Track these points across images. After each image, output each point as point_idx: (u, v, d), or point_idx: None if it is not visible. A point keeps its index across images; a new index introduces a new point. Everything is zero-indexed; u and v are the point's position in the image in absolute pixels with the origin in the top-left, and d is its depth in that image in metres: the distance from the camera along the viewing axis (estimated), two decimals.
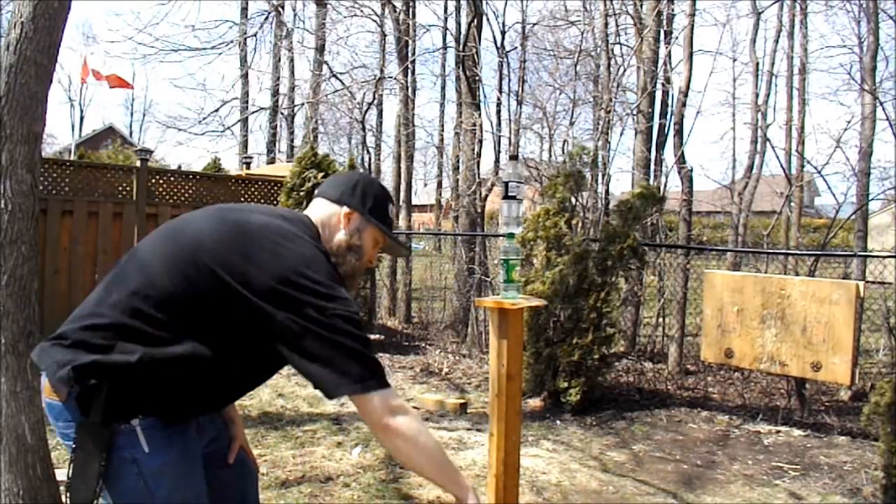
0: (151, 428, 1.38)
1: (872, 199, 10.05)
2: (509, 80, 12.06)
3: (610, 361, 5.17)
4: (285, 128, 17.58)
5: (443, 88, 20.31)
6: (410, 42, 10.51)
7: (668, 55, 8.11)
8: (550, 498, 3.45)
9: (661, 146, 7.97)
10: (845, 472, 3.90)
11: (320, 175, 6.58)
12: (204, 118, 12.24)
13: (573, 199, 5.47)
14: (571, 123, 10.25)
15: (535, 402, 5.14)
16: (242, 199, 7.29)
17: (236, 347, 1.41)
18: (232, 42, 12.62)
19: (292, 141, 17.22)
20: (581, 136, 13.23)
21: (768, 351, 4.56)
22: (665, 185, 7.66)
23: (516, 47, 13.75)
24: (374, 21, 11.46)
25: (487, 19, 10.80)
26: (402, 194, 11.82)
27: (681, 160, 6.94)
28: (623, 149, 20.95)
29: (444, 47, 15.05)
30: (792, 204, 9.22)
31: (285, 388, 5.35)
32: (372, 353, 1.40)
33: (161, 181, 6.76)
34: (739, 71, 18.84)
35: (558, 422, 4.80)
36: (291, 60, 15.94)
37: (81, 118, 29.70)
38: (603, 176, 7.68)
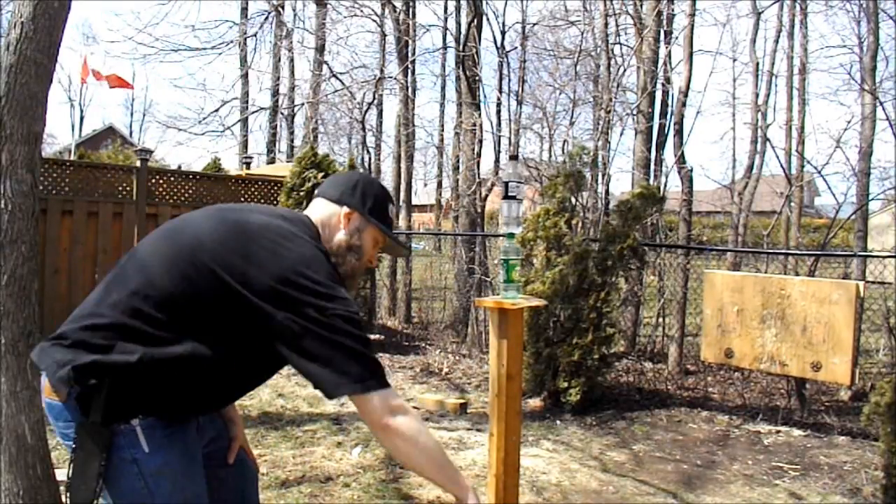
0: (151, 428, 1.38)
1: (872, 199, 10.05)
2: (509, 80, 12.08)
3: (610, 361, 5.17)
4: (285, 128, 17.59)
5: (443, 88, 20.34)
6: (410, 42, 10.51)
7: (668, 55, 8.11)
8: (550, 498, 3.45)
9: (661, 146, 7.98)
10: (845, 472, 3.90)
11: (320, 175, 6.58)
12: (204, 118, 12.24)
13: (573, 199, 5.47)
14: (571, 123, 10.26)
15: (535, 402, 5.14)
16: (242, 199, 7.29)
17: (236, 347, 1.41)
18: (232, 42, 12.63)
19: (292, 141, 17.22)
20: (581, 136, 13.24)
21: (768, 351, 4.56)
22: (665, 185, 7.66)
23: (516, 47, 13.76)
24: (374, 21, 11.47)
25: (487, 19, 10.81)
26: (402, 194, 11.83)
27: (681, 160, 6.94)
28: (623, 149, 20.98)
29: (444, 47, 15.06)
30: (792, 204, 9.22)
31: (285, 388, 5.35)
32: (372, 353, 1.40)
33: (161, 181, 6.76)
34: (739, 71, 18.81)
35: (558, 422, 4.80)
36: (291, 60, 15.94)
37: (81, 118, 29.70)
38: (603, 176, 7.68)
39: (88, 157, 12.29)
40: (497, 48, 12.28)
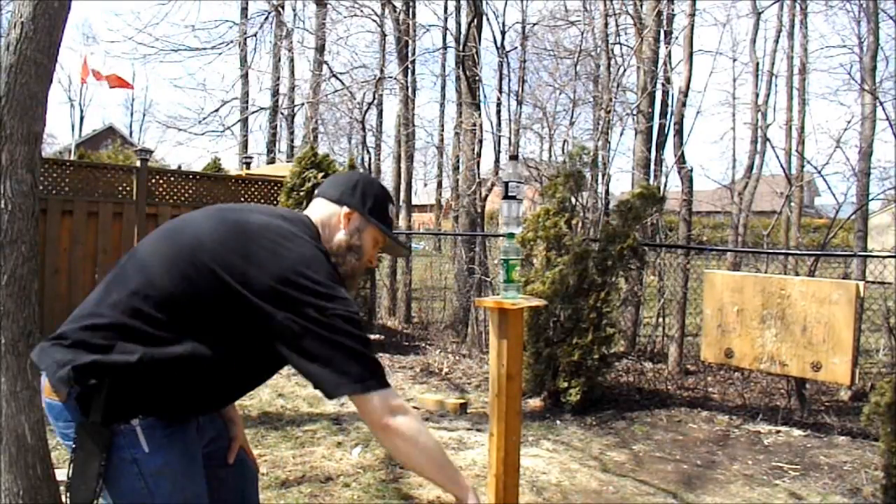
0: (151, 428, 1.38)
1: (872, 199, 10.04)
2: (509, 80, 12.07)
3: (610, 361, 5.17)
4: (285, 128, 17.58)
5: (443, 88, 20.33)
6: (410, 42, 10.51)
7: (668, 55, 8.11)
8: (550, 498, 3.46)
9: (661, 146, 7.98)
10: (845, 472, 3.90)
11: (320, 175, 6.58)
12: (204, 118, 12.24)
13: (573, 199, 5.47)
14: (571, 123, 10.26)
15: (535, 402, 5.14)
16: (242, 199, 7.28)
17: (236, 347, 1.41)
18: (232, 42, 12.62)
19: (292, 141, 17.22)
20: (581, 136, 13.23)
21: (768, 351, 4.56)
22: (665, 185, 7.66)
23: (516, 47, 13.75)
24: (374, 21, 11.46)
25: (487, 19, 10.81)
26: (402, 194, 11.83)
27: (681, 160, 6.94)
28: (623, 149, 20.97)
29: (444, 47, 15.06)
30: (792, 204, 9.21)
31: (285, 388, 5.35)
32: (372, 353, 1.40)
33: (161, 181, 6.76)
34: (739, 71, 18.83)
35: (558, 422, 4.80)
36: (291, 60, 15.94)
37: (81, 118, 29.70)
38: (603, 176, 7.68)
39: (88, 157, 12.29)
40: (497, 48, 12.29)
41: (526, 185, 6.11)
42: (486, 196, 8.27)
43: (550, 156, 9.48)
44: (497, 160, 9.83)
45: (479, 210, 8.22)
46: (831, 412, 4.92)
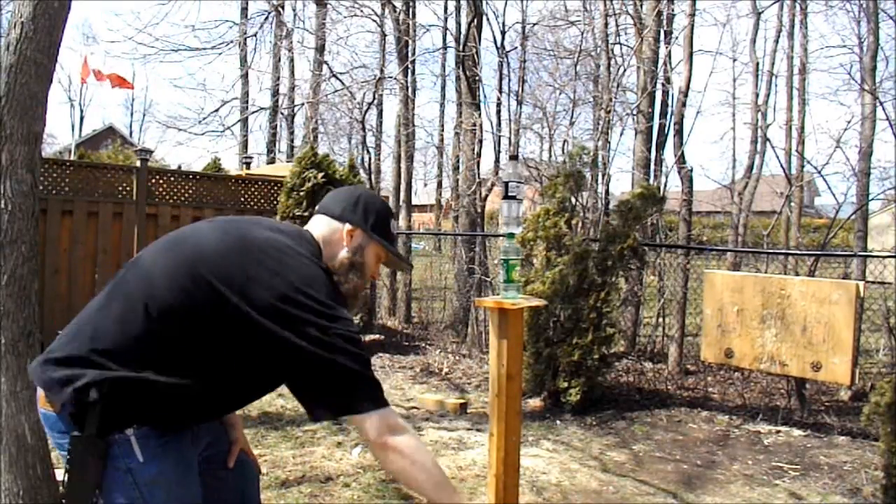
0: (146, 437, 1.37)
1: (872, 199, 10.04)
2: (509, 80, 12.06)
3: (610, 361, 5.17)
4: (285, 128, 17.56)
5: (443, 88, 20.31)
6: (410, 42, 10.51)
7: (668, 55, 8.11)
8: (550, 498, 3.45)
9: (661, 146, 7.98)
10: (845, 472, 3.90)
11: (320, 175, 6.58)
12: (204, 118, 12.24)
13: (573, 199, 5.47)
14: (571, 123, 10.26)
15: (535, 402, 5.14)
16: (242, 199, 7.28)
17: (234, 363, 1.40)
18: (232, 42, 12.62)
19: (292, 141, 17.20)
20: (581, 136, 13.23)
21: (768, 351, 4.56)
22: (665, 185, 7.66)
23: (516, 47, 13.74)
24: (374, 21, 11.46)
25: (487, 19, 10.81)
26: (402, 194, 11.82)
27: (681, 160, 6.94)
28: (623, 149, 20.97)
29: (444, 47, 15.05)
30: (792, 204, 9.21)
31: (285, 388, 5.34)
32: (371, 373, 1.39)
33: (161, 181, 6.76)
34: (739, 71, 18.81)
35: (558, 422, 4.80)
36: (291, 60, 15.92)
37: (81, 118, 29.69)
38: (603, 176, 7.69)
39: (88, 157, 12.28)
40: (497, 48, 12.28)
41: (526, 185, 6.11)
42: (486, 196, 8.27)
43: (550, 156, 9.48)
44: (497, 160, 9.83)
45: (479, 210, 8.22)
46: (831, 412, 4.92)
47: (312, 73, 11.60)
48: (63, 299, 5.87)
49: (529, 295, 2.99)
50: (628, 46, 9.35)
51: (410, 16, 10.46)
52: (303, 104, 13.71)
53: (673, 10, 8.28)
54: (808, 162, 8.94)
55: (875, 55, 8.62)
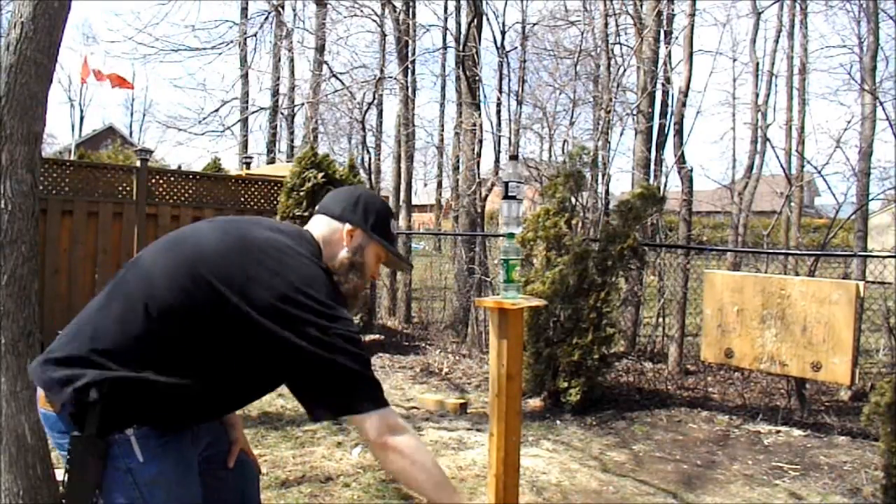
0: (146, 437, 1.37)
1: (872, 199, 10.04)
2: (509, 80, 12.06)
3: (610, 361, 5.17)
4: (285, 128, 17.56)
5: (443, 88, 20.30)
6: (410, 42, 10.51)
7: (668, 55, 8.11)
8: (550, 498, 3.45)
9: (661, 146, 7.98)
10: (845, 472, 3.90)
11: (320, 175, 6.58)
12: (204, 118, 12.23)
13: (573, 199, 5.47)
14: (571, 123, 10.26)
15: (535, 402, 5.14)
16: (242, 199, 7.28)
17: (234, 363, 1.40)
18: (232, 42, 12.61)
19: (292, 141, 17.20)
20: (581, 136, 13.23)
21: (768, 351, 4.56)
22: (665, 185, 7.66)
23: (516, 47, 13.74)
24: (374, 21, 11.46)
25: (487, 19, 10.81)
26: (402, 194, 11.81)
27: (681, 160, 6.94)
28: (623, 149, 20.98)
29: (444, 47, 15.06)
30: (792, 204, 9.21)
31: (285, 388, 5.34)
32: (371, 373, 1.39)
33: (161, 181, 6.75)
34: (739, 71, 18.81)
35: (558, 422, 4.80)
36: (291, 60, 15.92)
37: (81, 118, 29.68)
38: (603, 176, 7.69)
39: (88, 157, 12.27)
40: (497, 48, 12.28)
41: (526, 185, 6.12)
42: (486, 196, 8.27)
43: (550, 156, 9.49)
44: (497, 160, 9.83)
45: (479, 210, 8.22)
46: (831, 412, 4.92)
47: (312, 73, 11.61)
48: (63, 299, 5.87)
49: (529, 295, 3.00)
50: (628, 46, 9.36)
51: (410, 16, 10.46)
52: (303, 104, 13.72)
53: (673, 10, 8.28)
54: (808, 162, 8.95)
55: (875, 55, 8.62)
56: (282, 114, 16.64)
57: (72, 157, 11.09)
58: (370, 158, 10.70)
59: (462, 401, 5.09)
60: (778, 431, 4.65)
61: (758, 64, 9.68)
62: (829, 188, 12.17)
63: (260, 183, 7.55)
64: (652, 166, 7.85)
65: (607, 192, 7.86)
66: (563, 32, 11.78)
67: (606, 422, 4.81)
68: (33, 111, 2.43)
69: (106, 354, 1.35)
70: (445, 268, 9.00)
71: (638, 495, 3.53)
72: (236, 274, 1.36)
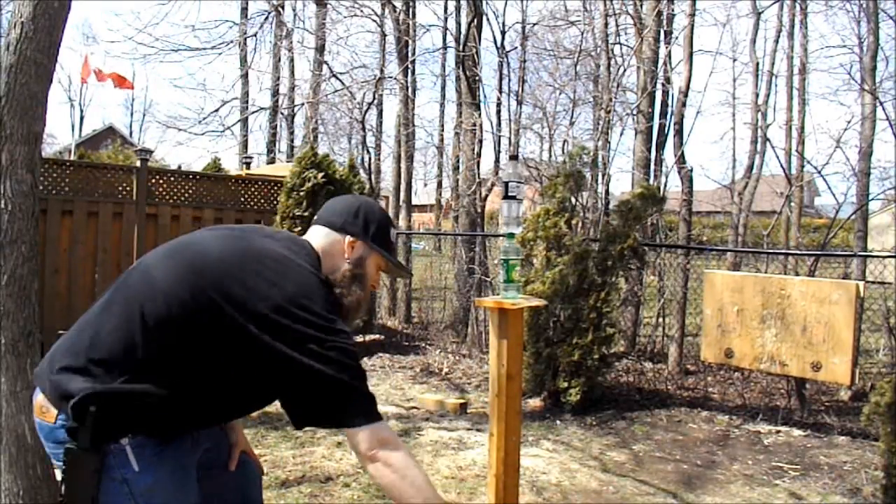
0: (141, 447, 1.36)
1: (872, 199, 10.03)
2: (509, 80, 12.05)
3: (610, 361, 5.17)
4: (285, 128, 17.56)
5: (443, 88, 20.30)
6: (410, 42, 10.51)
7: (668, 55, 8.11)
8: (550, 498, 3.45)
9: (661, 146, 7.98)
10: (845, 472, 3.90)
11: (320, 175, 6.57)
12: (204, 118, 12.22)
13: (573, 199, 5.47)
14: (571, 123, 10.27)
15: (535, 402, 5.14)
16: (242, 199, 7.27)
17: (231, 373, 1.39)
18: (232, 42, 12.61)
19: (292, 141, 17.20)
20: (581, 136, 13.23)
21: (768, 351, 4.56)
22: (665, 185, 7.66)
23: (516, 47, 13.74)
24: (374, 21, 11.46)
25: (487, 19, 10.81)
26: (402, 194, 11.82)
27: (681, 160, 6.94)
28: (623, 149, 20.99)
29: (444, 47, 15.05)
30: (792, 204, 9.21)
31: None
32: (366, 387, 1.39)
33: (161, 181, 6.75)
34: (739, 71, 18.81)
35: (558, 422, 4.80)
36: (291, 60, 15.92)
37: (81, 118, 29.67)
38: (603, 176, 7.69)
39: (88, 157, 12.26)
40: (497, 48, 12.28)
41: (526, 185, 6.12)
42: (486, 196, 8.27)
43: (550, 156, 9.49)
44: (497, 160, 9.83)
45: (479, 210, 8.22)
46: (831, 412, 4.92)
47: (312, 73, 11.60)
48: (63, 299, 5.87)
49: (529, 295, 3.00)
50: (628, 46, 9.36)
51: (410, 16, 10.46)
52: (303, 104, 13.71)
53: (673, 10, 8.28)
54: (808, 162, 8.94)
55: (875, 55, 8.62)
56: (282, 114, 16.63)
57: (72, 157, 11.09)
58: (370, 158, 10.70)
59: (462, 401, 5.09)
60: (778, 431, 4.65)
61: (758, 64, 9.69)
62: (829, 188, 12.18)
63: (260, 183, 7.55)
64: (652, 166, 7.85)
65: (607, 192, 7.87)
66: (563, 32, 11.79)
67: (606, 422, 4.81)
68: (33, 111, 2.43)
69: (103, 364, 1.34)
70: (445, 268, 9.00)
71: (638, 495, 3.53)
72: (235, 285, 1.35)
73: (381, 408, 5.22)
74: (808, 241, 11.19)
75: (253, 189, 7.41)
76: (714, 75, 43.40)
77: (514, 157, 2.40)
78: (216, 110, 12.52)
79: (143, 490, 1.36)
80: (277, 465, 3.74)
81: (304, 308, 1.34)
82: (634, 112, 8.18)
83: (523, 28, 14.09)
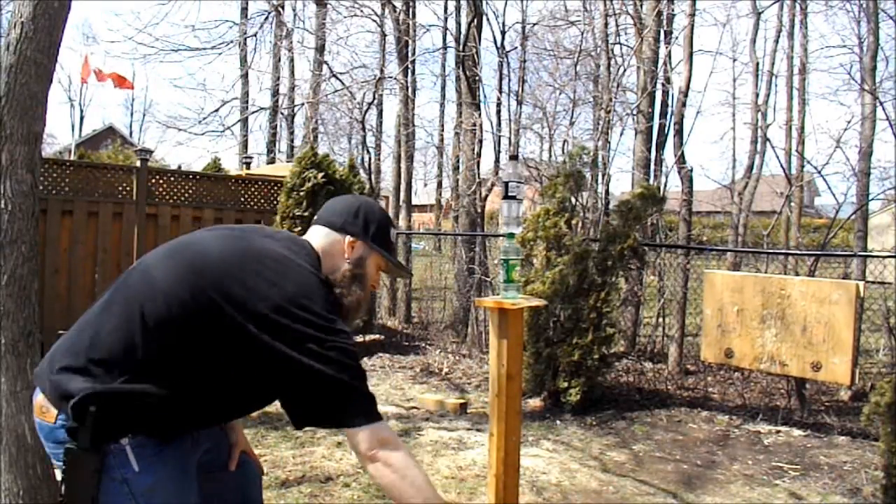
0: (141, 447, 1.36)
1: (872, 199, 10.04)
2: (509, 80, 12.05)
3: (610, 361, 5.17)
4: (285, 128, 17.56)
5: (443, 88, 20.29)
6: (410, 42, 10.51)
7: (668, 55, 8.11)
8: (550, 498, 3.45)
9: (661, 146, 7.98)
10: (845, 472, 3.90)
11: (320, 175, 6.57)
12: (204, 118, 12.21)
13: (573, 199, 5.47)
14: (571, 123, 10.27)
15: (535, 402, 5.14)
16: (242, 199, 7.28)
17: (231, 373, 1.39)
18: (232, 42, 12.61)
19: (292, 141, 17.20)
20: (581, 136, 13.23)
21: (768, 351, 4.56)
22: (665, 185, 7.66)
23: (516, 47, 13.73)
24: (374, 21, 11.46)
25: (487, 19, 10.81)
26: (402, 194, 11.82)
27: (681, 160, 6.94)
28: (623, 149, 21.01)
29: (444, 47, 15.05)
30: (792, 204, 9.21)
31: None
32: (366, 387, 1.38)
33: (161, 181, 6.75)
34: (739, 71, 18.82)
35: (558, 422, 4.80)
36: (291, 60, 15.92)
37: (81, 118, 29.67)
38: (603, 176, 7.69)
39: (88, 157, 12.26)
40: (497, 48, 12.28)
41: (526, 185, 6.12)
42: (486, 196, 8.27)
43: (550, 156, 9.50)
44: (497, 160, 9.84)
45: (479, 210, 8.22)
46: (831, 412, 4.92)
47: (312, 73, 11.60)
48: (63, 299, 5.87)
49: (529, 295, 3.00)
50: (628, 46, 9.36)
51: (410, 16, 10.46)
52: (303, 104, 13.71)
53: (673, 10, 8.28)
54: (808, 162, 8.94)
55: (875, 55, 8.62)
56: (282, 114, 16.63)
57: (72, 157, 11.09)
58: (370, 158, 10.70)
59: (462, 401, 5.09)
60: (778, 431, 4.65)
61: (758, 64, 9.69)
62: (829, 188, 12.18)
63: (260, 183, 7.55)
64: (652, 166, 7.85)
65: (607, 192, 7.87)
66: (563, 32, 11.79)
67: (606, 422, 4.81)
68: (33, 111, 2.43)
69: (103, 364, 1.34)
70: (445, 268, 9.01)
71: (638, 495, 3.53)
72: (234, 285, 1.35)
73: (381, 408, 5.22)
74: (808, 241, 11.19)
75: (253, 189, 7.41)
76: (714, 75, 43.47)
77: (514, 157, 2.40)
78: (216, 110, 12.52)
79: (144, 490, 1.36)
80: (277, 465, 3.74)
81: (304, 308, 1.34)
82: (634, 112, 8.18)
83: (523, 28, 14.09)
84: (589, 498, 3.47)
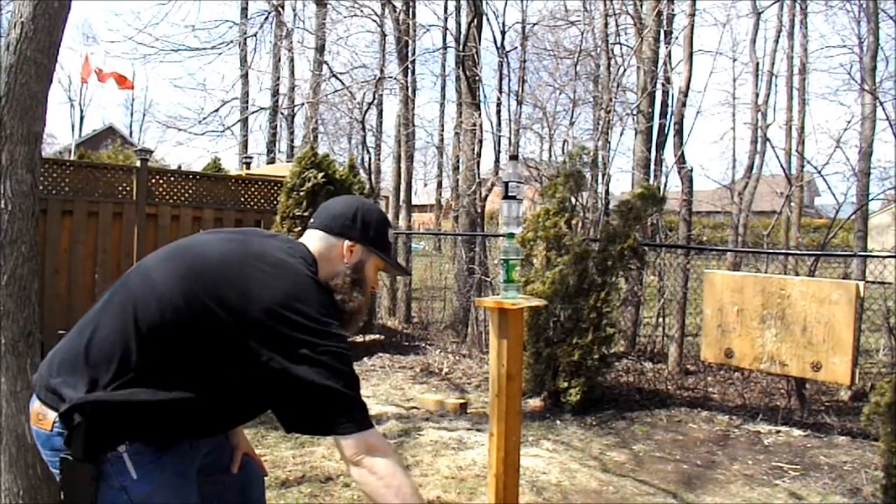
0: (139, 454, 1.35)
1: (872, 199, 10.04)
2: (509, 80, 12.04)
3: (610, 361, 5.17)
4: (285, 128, 17.54)
5: (443, 88, 20.26)
6: (410, 42, 10.50)
7: (668, 55, 8.11)
8: (550, 498, 3.45)
9: (661, 146, 7.98)
10: (845, 472, 3.90)
11: (320, 175, 6.57)
12: (204, 118, 12.21)
13: (573, 199, 5.47)
14: (571, 123, 10.26)
15: (535, 402, 5.14)
16: (242, 199, 7.27)
17: (226, 379, 1.38)
18: (232, 42, 12.61)
19: (292, 141, 17.19)
20: (581, 136, 13.22)
21: (768, 351, 4.56)
22: (665, 185, 7.66)
23: (516, 47, 13.72)
24: (374, 21, 11.46)
25: (487, 19, 10.81)
26: (402, 194, 11.81)
27: (681, 160, 6.94)
28: (623, 149, 21.01)
29: (444, 47, 15.04)
30: (792, 204, 9.21)
31: None
32: (358, 394, 1.37)
33: (161, 181, 6.75)
34: (739, 71, 18.83)
35: (558, 422, 4.80)
36: (291, 60, 15.91)
37: (81, 118, 29.65)
38: (603, 176, 7.69)
39: (88, 157, 12.25)
40: (497, 48, 12.27)
41: (526, 185, 6.12)
42: (486, 196, 8.27)
43: (550, 156, 9.49)
44: (497, 160, 9.83)
45: (479, 210, 8.22)
46: (831, 412, 4.92)
47: (312, 73, 11.60)
48: (63, 299, 5.87)
49: (529, 295, 3.00)
50: (628, 46, 9.36)
51: (410, 16, 10.46)
52: (303, 104, 13.71)
53: (673, 10, 8.28)
54: (808, 162, 8.94)
55: (875, 55, 8.62)
56: (282, 114, 16.63)
57: (72, 157, 11.08)
58: (370, 158, 10.70)
59: (462, 401, 5.09)
60: (778, 431, 4.65)
61: (758, 64, 9.69)
62: (829, 188, 12.16)
63: (260, 183, 7.55)
64: (652, 166, 7.85)
65: (607, 192, 7.86)
66: (563, 32, 11.78)
67: (606, 422, 4.81)
68: (33, 111, 2.43)
69: (97, 370, 1.34)
70: (445, 268, 9.00)
71: (638, 495, 3.53)
72: (229, 288, 1.34)
73: (381, 408, 5.22)
74: (808, 241, 11.19)
75: (253, 189, 7.41)
76: (714, 75, 43.45)
77: (514, 157, 2.40)
78: (216, 110, 12.52)
79: (142, 498, 1.35)
80: (277, 465, 3.74)
81: (298, 311, 1.33)
82: (634, 112, 8.18)
83: (523, 28, 14.08)
84: (589, 498, 3.47)
